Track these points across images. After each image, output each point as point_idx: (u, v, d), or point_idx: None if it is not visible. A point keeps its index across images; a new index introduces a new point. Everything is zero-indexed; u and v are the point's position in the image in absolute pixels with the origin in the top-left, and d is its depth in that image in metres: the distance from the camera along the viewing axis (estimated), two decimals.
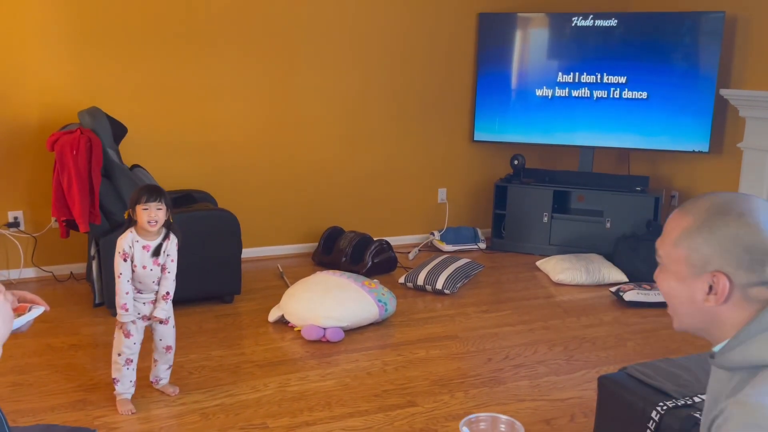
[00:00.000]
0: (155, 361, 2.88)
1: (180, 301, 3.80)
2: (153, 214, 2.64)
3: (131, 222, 2.70)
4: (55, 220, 3.97)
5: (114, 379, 2.77)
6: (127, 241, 2.68)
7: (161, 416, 2.73)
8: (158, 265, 2.72)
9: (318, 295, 3.60)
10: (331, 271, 3.90)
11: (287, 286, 4.14)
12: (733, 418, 1.10)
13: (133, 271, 2.69)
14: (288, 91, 4.84)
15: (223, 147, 4.73)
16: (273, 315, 3.70)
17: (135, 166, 4.19)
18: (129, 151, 4.28)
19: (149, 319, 2.78)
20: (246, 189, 4.82)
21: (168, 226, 2.74)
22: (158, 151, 4.52)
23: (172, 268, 2.77)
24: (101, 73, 4.32)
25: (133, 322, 2.72)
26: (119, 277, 2.66)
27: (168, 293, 2.77)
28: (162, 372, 2.89)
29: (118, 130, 4.04)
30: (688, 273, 1.23)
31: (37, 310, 1.47)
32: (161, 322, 2.78)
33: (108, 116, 3.93)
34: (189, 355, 3.29)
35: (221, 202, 4.49)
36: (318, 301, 3.55)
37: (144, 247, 2.69)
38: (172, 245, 2.76)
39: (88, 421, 2.67)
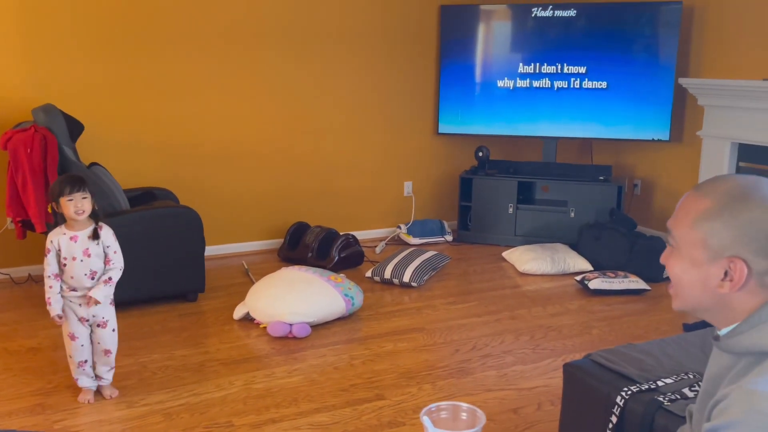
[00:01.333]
0: (95, 362, 2.80)
1: (143, 300, 3.76)
2: (79, 204, 2.59)
3: (57, 215, 2.64)
4: (11, 221, 3.87)
5: (75, 378, 2.79)
6: (51, 235, 2.64)
7: (123, 418, 2.67)
8: (89, 256, 2.64)
9: (284, 291, 3.56)
10: (297, 267, 3.86)
11: (252, 283, 4.09)
12: (738, 404, 1.09)
13: (64, 265, 2.63)
14: (248, 87, 4.77)
15: (185, 144, 4.65)
16: (238, 312, 3.65)
17: (93, 164, 4.09)
18: (86, 149, 4.18)
19: (87, 321, 2.72)
20: (209, 185, 4.75)
21: (95, 215, 2.69)
22: (117, 149, 4.42)
23: (117, 258, 2.71)
24: (56, 69, 4.21)
25: (60, 316, 2.66)
26: (45, 273, 2.65)
27: (110, 278, 2.69)
28: (104, 372, 2.81)
29: (75, 128, 3.94)
30: (703, 257, 1.19)
31: None
32: (96, 302, 2.66)
33: (63, 113, 3.84)
34: (152, 354, 3.23)
35: (183, 200, 4.41)
36: (284, 297, 3.51)
37: (71, 239, 2.63)
38: (108, 235, 2.69)
39: (47, 426, 2.60)
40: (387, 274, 4.25)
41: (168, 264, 3.76)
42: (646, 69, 4.87)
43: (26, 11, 4.09)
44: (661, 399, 1.93)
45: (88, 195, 2.61)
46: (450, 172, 5.56)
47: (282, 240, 4.89)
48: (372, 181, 5.33)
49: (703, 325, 3.44)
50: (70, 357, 2.75)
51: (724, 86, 4.44)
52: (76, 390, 2.81)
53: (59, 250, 2.62)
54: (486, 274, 4.53)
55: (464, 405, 1.44)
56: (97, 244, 2.66)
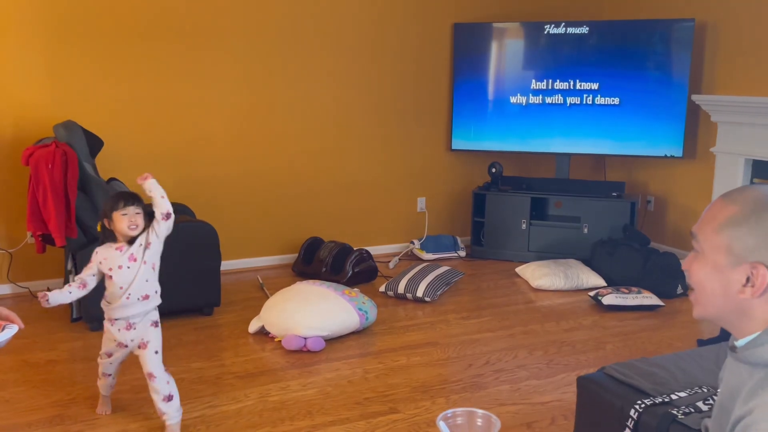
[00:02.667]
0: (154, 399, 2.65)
1: (159, 313, 3.79)
2: (133, 218, 2.53)
3: (106, 235, 2.58)
4: (31, 235, 3.93)
5: (98, 377, 2.81)
6: (98, 249, 2.58)
7: (140, 429, 2.70)
8: (135, 261, 2.56)
9: (298, 305, 3.59)
10: (311, 281, 3.89)
11: (267, 297, 4.13)
12: (765, 420, 1.09)
13: (110, 277, 2.55)
14: (266, 102, 4.84)
15: (201, 159, 4.71)
16: (253, 326, 3.69)
17: (112, 179, 4.16)
18: (105, 165, 4.25)
19: (126, 345, 2.64)
20: (225, 200, 4.81)
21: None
22: (135, 164, 4.48)
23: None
24: (76, 86, 4.30)
25: (44, 295, 2.46)
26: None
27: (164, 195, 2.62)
28: (162, 404, 2.60)
29: (94, 144, 4.02)
30: (726, 262, 1.20)
31: (11, 330, 1.46)
32: (146, 178, 2.60)
33: (84, 129, 3.91)
34: (168, 367, 3.21)
35: (200, 214, 4.46)
36: (298, 311, 3.54)
37: (117, 248, 2.56)
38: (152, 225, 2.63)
39: None
40: (401, 289, 4.27)
41: (184, 278, 3.80)
42: (659, 85, 4.89)
43: (48, 30, 4.18)
44: (674, 412, 1.94)
45: (140, 210, 2.56)
46: (463, 187, 5.59)
47: (296, 255, 4.93)
48: (385, 197, 5.37)
49: (718, 340, 3.44)
50: (100, 362, 2.76)
51: (737, 103, 4.45)
52: (95, 401, 2.85)
53: (101, 262, 2.54)
54: (499, 289, 4.55)
55: (480, 411, 1.46)
56: (140, 244, 2.57)
